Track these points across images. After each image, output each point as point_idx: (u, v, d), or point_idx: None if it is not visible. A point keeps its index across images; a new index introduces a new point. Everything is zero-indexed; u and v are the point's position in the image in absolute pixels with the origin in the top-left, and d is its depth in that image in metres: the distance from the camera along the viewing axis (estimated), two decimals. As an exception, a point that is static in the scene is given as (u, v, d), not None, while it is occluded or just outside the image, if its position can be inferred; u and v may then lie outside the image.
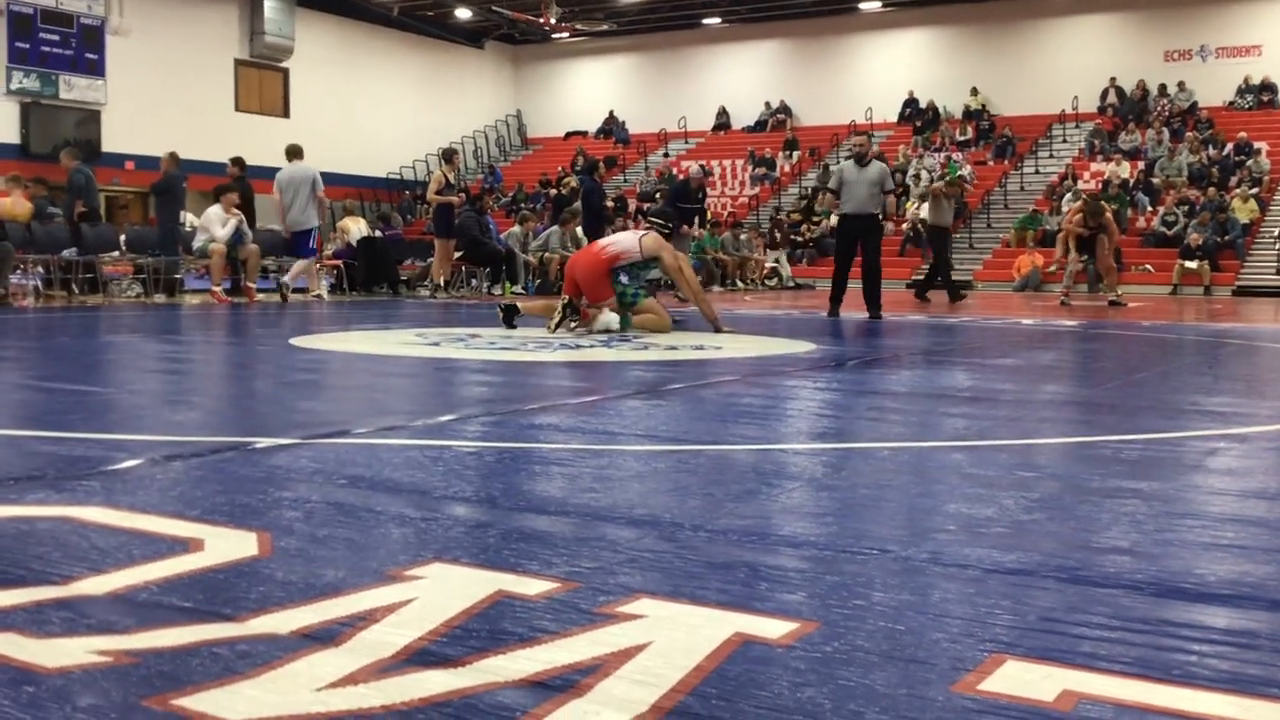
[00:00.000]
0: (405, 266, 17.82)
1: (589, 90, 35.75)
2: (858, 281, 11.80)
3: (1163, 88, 28.64)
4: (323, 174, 15.29)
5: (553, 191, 25.18)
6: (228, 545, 2.23)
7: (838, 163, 29.85)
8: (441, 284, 16.27)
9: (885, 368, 6.66)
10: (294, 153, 15.06)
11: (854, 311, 11.75)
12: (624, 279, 8.78)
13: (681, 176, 18.21)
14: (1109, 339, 9.47)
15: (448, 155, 17.05)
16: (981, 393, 5.23)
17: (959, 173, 28.22)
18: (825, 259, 26.25)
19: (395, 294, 16.46)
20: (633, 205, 25.43)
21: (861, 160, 11.77)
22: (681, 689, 1.53)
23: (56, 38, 24.78)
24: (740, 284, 22.13)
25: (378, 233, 17.83)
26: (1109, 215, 15.84)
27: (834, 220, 12.39)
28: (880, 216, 11.98)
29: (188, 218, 17.33)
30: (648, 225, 9.38)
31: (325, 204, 15.56)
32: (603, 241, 9.35)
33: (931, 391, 5.39)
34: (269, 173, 15.79)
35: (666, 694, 1.52)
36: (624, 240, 9.09)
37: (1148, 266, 22.92)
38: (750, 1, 31.64)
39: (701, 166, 16.84)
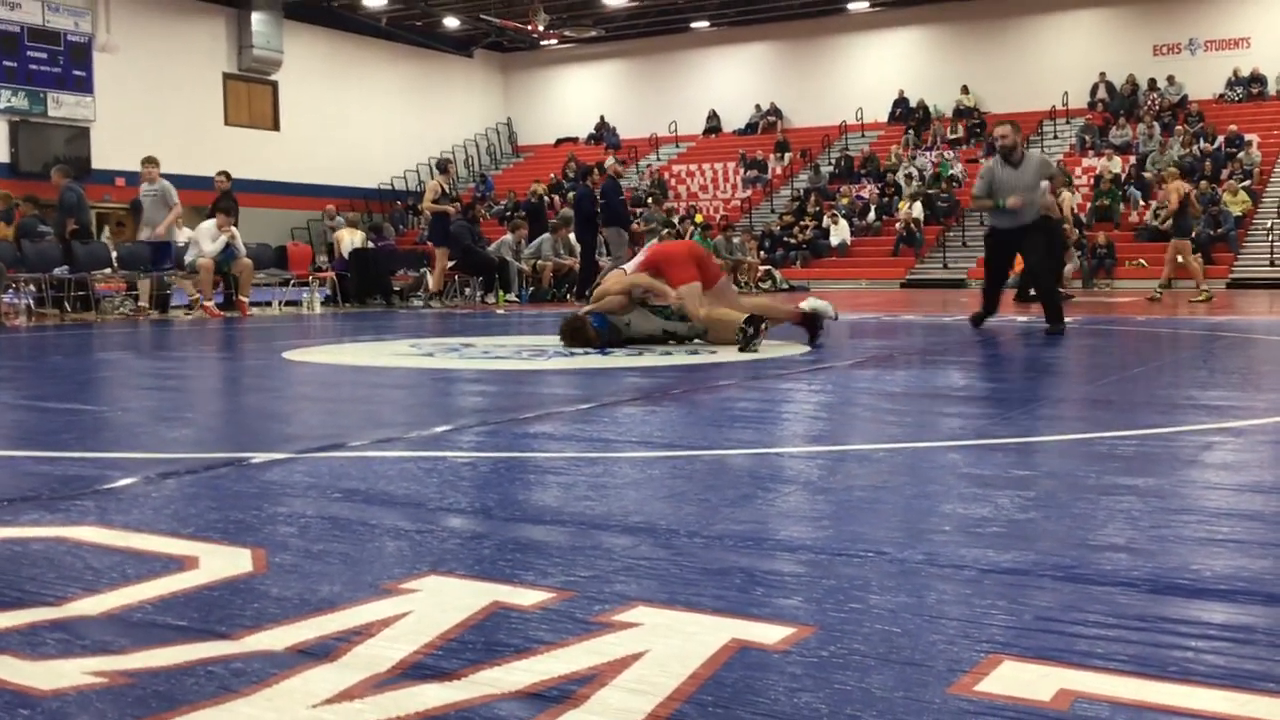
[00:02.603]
0: (398, 277, 17.81)
1: (579, 96, 35.77)
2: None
3: (1152, 82, 28.71)
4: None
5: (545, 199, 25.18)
6: (222, 562, 2.23)
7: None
8: (436, 293, 16.27)
9: (880, 368, 6.66)
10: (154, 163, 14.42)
11: (858, 312, 11.74)
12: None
13: (604, 177, 18.15)
14: (1103, 334, 9.48)
15: (442, 165, 17.12)
16: (977, 391, 5.23)
17: (950, 172, 28.27)
18: (819, 260, 26.31)
19: (389, 305, 16.45)
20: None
21: (1010, 156, 9.12)
22: (678, 697, 1.53)
23: (44, 55, 24.79)
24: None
25: (370, 244, 17.82)
26: (1066, 194, 15.43)
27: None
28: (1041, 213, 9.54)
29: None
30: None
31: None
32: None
33: (927, 391, 5.39)
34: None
35: (663, 702, 1.51)
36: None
37: (1141, 261, 22.95)
38: (738, 4, 31.66)
39: (616, 159, 16.87)
